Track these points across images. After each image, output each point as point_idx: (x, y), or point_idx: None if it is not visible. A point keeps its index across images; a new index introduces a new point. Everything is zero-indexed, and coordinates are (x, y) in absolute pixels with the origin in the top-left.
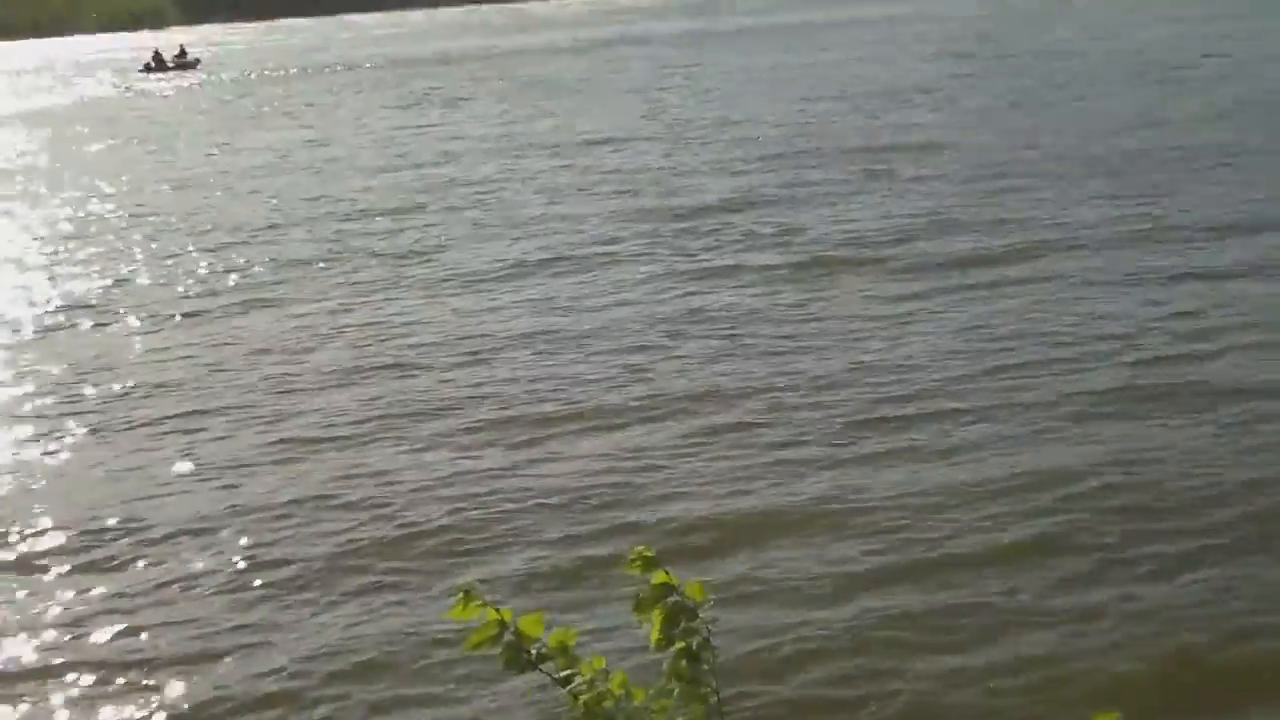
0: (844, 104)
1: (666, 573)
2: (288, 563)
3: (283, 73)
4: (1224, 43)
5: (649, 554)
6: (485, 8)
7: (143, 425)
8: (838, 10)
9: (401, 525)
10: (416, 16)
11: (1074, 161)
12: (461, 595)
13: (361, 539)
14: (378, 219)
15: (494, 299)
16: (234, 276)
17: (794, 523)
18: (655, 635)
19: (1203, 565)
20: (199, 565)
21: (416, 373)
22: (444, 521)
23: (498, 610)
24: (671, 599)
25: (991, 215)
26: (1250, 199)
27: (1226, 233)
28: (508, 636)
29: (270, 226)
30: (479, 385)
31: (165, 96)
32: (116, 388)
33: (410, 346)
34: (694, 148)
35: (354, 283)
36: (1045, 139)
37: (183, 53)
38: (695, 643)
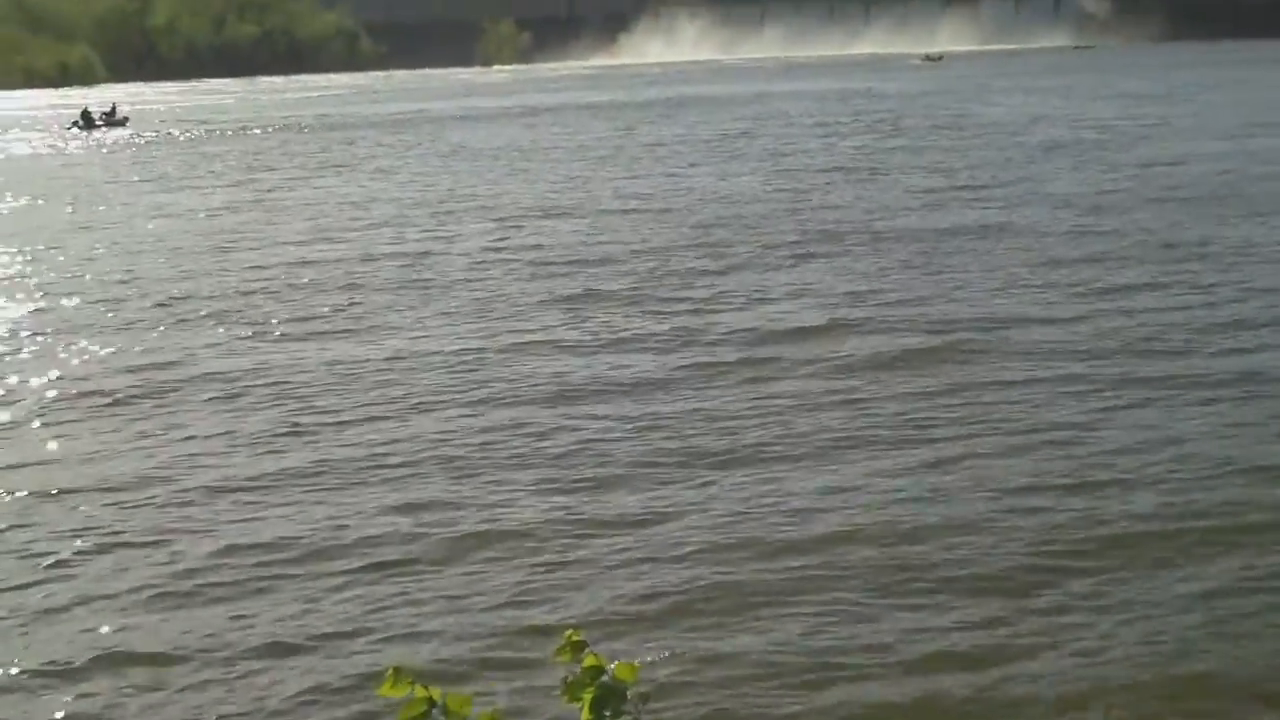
0: (779, 178)
1: (596, 655)
2: None
3: (210, 133)
4: (1153, 123)
5: (578, 638)
6: (402, 74)
7: None
8: (777, 83)
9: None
10: (341, 79)
11: (1022, 247)
12: (391, 672)
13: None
14: (300, 294)
15: (428, 393)
16: (142, 354)
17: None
18: (585, 717)
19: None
20: None
21: (342, 486)
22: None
23: (426, 688)
24: (601, 680)
25: (937, 307)
26: (1229, 300)
27: (1196, 339)
28: (436, 714)
29: (188, 298)
30: (404, 501)
31: (96, 154)
32: None
33: (334, 446)
34: (624, 223)
35: (272, 364)
36: (986, 223)
37: (113, 110)
38: None
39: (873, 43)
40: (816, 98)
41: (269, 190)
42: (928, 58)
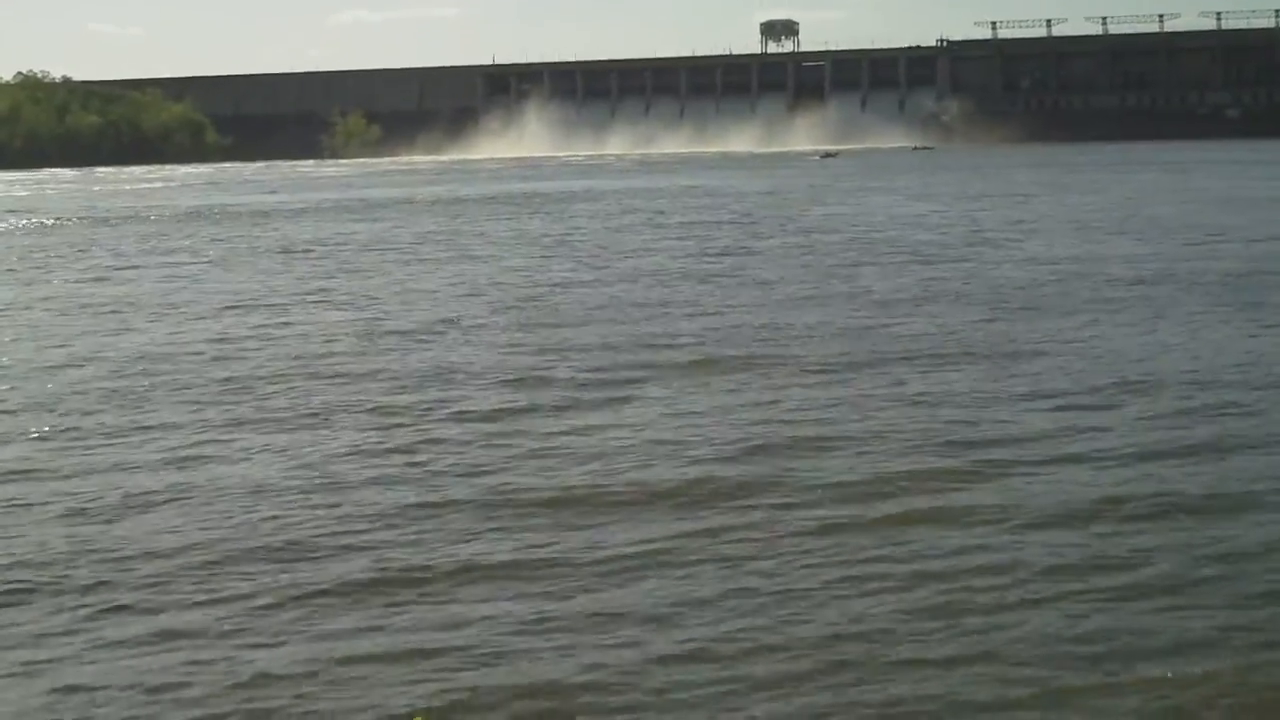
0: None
1: None
2: None
3: (35, 224)
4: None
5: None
6: (253, 166)
7: None
8: (622, 180)
9: None
10: (182, 170)
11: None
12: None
13: None
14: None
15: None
16: None
17: None
18: None
19: None
20: None
21: None
22: None
23: None
24: None
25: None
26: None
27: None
28: None
29: None
30: None
31: None
32: None
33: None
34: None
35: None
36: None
37: None
38: None
39: (724, 143)
40: (654, 194)
41: (74, 283)
42: (825, 155)
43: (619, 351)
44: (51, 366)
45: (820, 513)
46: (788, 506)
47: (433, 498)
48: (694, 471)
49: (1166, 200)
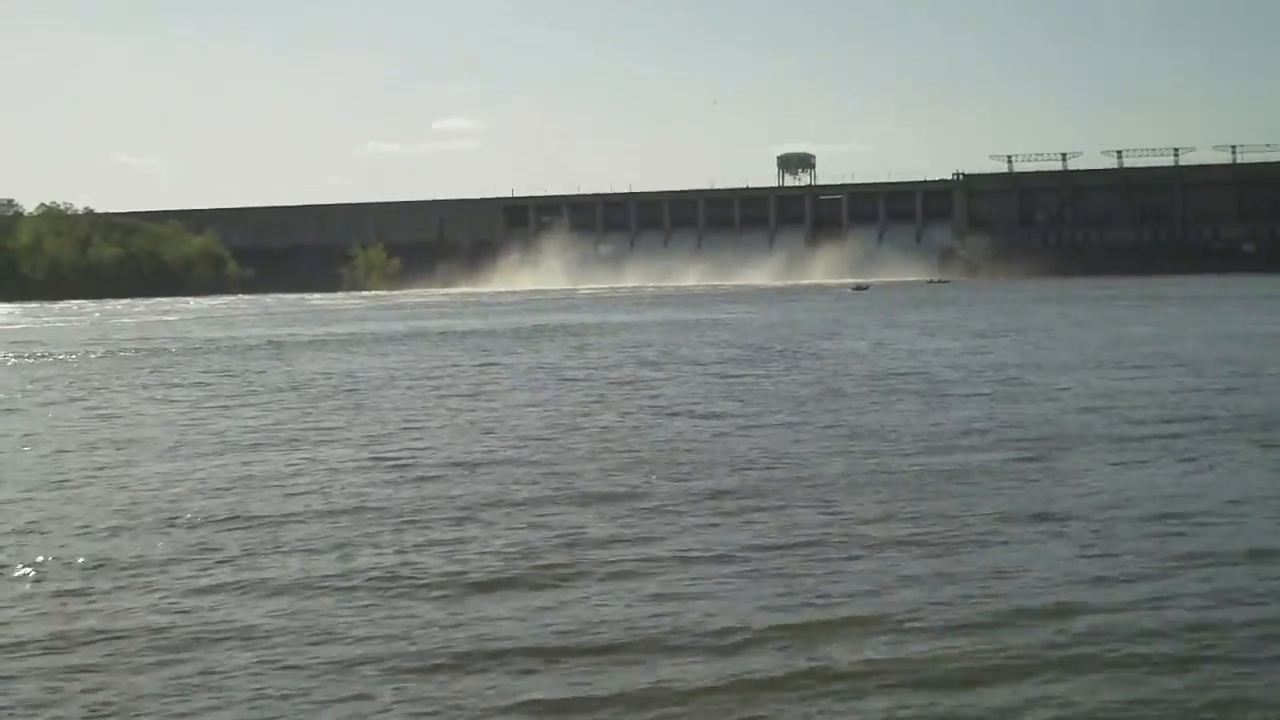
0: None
1: None
2: None
3: (36, 357)
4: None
5: None
6: (269, 298)
7: None
8: (637, 313)
9: None
10: (204, 302)
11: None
12: None
13: None
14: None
15: None
16: None
17: None
18: None
19: None
20: None
21: None
22: None
23: None
24: None
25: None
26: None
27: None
28: None
29: None
30: None
31: None
32: None
33: None
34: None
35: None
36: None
37: None
38: None
39: (742, 276)
40: (674, 327)
41: (80, 419)
42: (857, 287)
43: (637, 500)
44: (48, 513)
45: (864, 705)
46: (829, 699)
47: (443, 674)
48: (724, 663)
49: (1191, 337)
